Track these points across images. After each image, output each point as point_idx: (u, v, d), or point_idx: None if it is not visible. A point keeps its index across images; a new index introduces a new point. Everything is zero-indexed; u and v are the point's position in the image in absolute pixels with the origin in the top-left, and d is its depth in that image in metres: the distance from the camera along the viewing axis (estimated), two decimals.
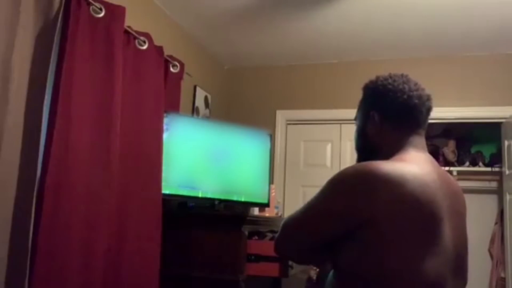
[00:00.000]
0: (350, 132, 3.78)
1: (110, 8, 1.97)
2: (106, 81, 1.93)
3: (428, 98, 1.24)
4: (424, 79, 3.94)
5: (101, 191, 1.88)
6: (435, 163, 1.21)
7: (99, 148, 1.88)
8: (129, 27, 2.15)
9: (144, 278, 2.13)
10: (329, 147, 3.62)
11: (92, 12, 1.89)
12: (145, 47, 2.26)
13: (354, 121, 1.33)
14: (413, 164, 1.10)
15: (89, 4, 1.88)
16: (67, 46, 1.76)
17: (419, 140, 1.21)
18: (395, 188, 1.02)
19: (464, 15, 2.71)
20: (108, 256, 1.93)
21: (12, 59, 1.58)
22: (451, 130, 3.92)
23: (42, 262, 1.62)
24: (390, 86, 1.22)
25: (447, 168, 3.80)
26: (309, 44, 3.29)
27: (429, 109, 1.24)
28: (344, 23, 2.89)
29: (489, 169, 3.72)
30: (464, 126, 3.62)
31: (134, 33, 2.20)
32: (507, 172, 3.22)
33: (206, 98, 3.35)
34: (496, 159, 3.64)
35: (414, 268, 1.01)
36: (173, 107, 2.60)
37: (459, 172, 3.81)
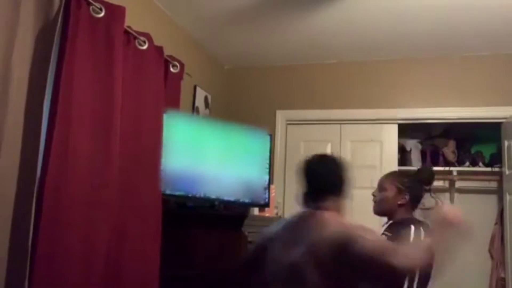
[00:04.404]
0: (350, 132, 3.79)
1: (110, 8, 1.96)
2: (106, 81, 1.93)
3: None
4: (424, 79, 3.93)
5: (101, 191, 1.88)
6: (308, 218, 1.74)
7: (98, 148, 1.88)
8: (129, 27, 2.15)
9: (144, 278, 2.13)
10: (329, 147, 3.62)
11: (92, 12, 1.89)
12: (145, 47, 2.26)
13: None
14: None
15: (89, 4, 1.87)
16: (67, 46, 1.76)
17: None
18: None
19: (464, 15, 2.71)
20: (108, 256, 1.92)
21: (12, 59, 1.58)
22: (451, 130, 3.92)
23: (42, 262, 1.62)
24: None
25: (447, 168, 3.80)
26: (309, 44, 3.29)
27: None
28: (344, 23, 2.89)
29: (489, 169, 3.72)
30: (464, 126, 3.62)
31: (134, 33, 2.20)
32: (507, 172, 3.22)
33: (206, 98, 3.35)
34: (496, 159, 3.64)
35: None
36: (173, 107, 2.61)
37: (459, 172, 3.81)
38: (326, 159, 1.93)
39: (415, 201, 2.25)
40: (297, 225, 1.75)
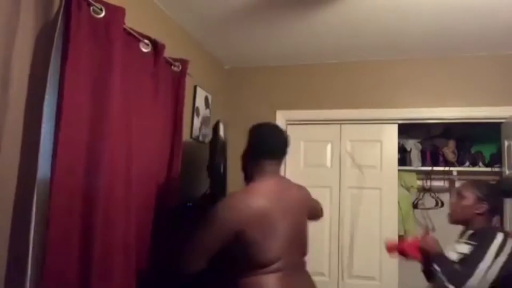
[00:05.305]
0: (350, 132, 3.79)
1: (110, 8, 1.96)
2: (106, 82, 1.93)
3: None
4: (424, 79, 3.92)
5: (101, 192, 1.87)
6: (282, 180, 2.17)
7: (97, 149, 1.87)
8: (129, 27, 2.15)
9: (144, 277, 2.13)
10: (329, 147, 3.62)
11: (92, 13, 1.89)
12: (146, 47, 2.26)
13: None
14: (256, 190, 1.96)
15: (89, 4, 1.87)
16: (67, 47, 1.75)
17: (269, 166, 2.08)
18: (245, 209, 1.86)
19: (464, 15, 2.71)
20: (110, 257, 1.92)
21: (12, 59, 1.58)
22: (451, 130, 3.92)
23: (42, 262, 1.62)
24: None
25: (447, 168, 3.81)
26: (309, 44, 3.29)
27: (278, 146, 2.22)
28: (344, 23, 2.89)
29: (489, 169, 3.72)
30: (464, 126, 3.62)
31: (134, 33, 2.20)
32: (507, 172, 3.22)
33: (206, 98, 3.36)
34: (496, 159, 3.64)
35: (263, 248, 1.84)
36: (177, 107, 2.61)
37: (459, 172, 3.81)
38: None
39: (494, 211, 2.23)
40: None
